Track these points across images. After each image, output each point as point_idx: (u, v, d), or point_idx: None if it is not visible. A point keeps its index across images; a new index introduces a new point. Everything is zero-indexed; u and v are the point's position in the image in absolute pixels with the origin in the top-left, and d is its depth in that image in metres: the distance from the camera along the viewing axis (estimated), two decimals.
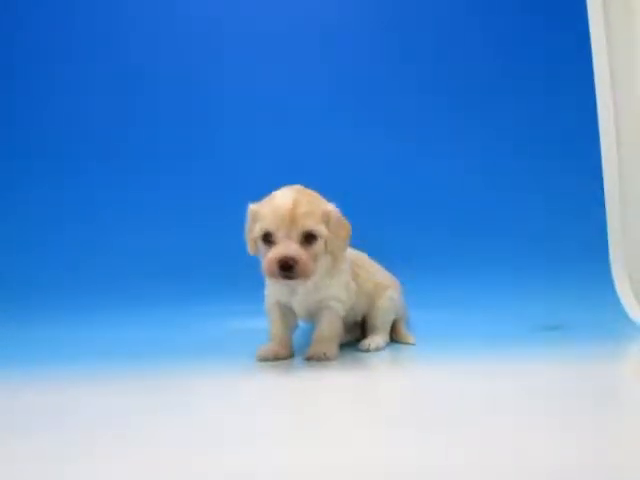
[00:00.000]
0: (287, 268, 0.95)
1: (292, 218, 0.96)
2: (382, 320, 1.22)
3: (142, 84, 1.60)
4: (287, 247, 0.96)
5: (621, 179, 1.60)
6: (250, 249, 1.05)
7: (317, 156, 1.56)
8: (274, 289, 1.10)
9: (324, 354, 1.05)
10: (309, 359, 1.06)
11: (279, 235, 0.97)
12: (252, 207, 1.03)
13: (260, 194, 1.53)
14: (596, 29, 1.61)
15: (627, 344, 1.26)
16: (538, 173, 1.59)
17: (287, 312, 1.12)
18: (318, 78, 1.60)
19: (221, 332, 1.40)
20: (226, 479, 0.48)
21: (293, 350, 1.12)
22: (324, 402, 0.80)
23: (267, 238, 0.98)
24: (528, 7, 1.63)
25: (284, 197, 0.99)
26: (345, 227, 1.05)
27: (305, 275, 0.97)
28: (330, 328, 1.09)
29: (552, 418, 0.64)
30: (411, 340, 1.25)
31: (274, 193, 1.02)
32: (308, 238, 0.98)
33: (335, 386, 0.89)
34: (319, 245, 1.00)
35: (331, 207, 1.03)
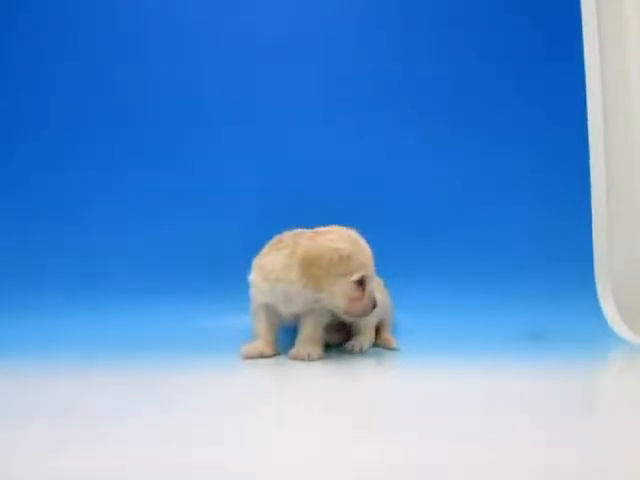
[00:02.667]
0: (374, 307, 1.09)
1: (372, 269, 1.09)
2: (365, 321, 1.23)
3: (142, 81, 1.59)
4: (374, 290, 1.10)
5: (608, 193, 1.61)
6: (326, 286, 1.05)
7: (315, 157, 1.56)
8: (265, 294, 1.11)
9: (308, 355, 1.07)
10: (293, 359, 1.08)
11: (369, 279, 1.07)
12: (339, 251, 1.05)
13: (256, 194, 1.55)
14: (589, 34, 1.62)
15: (608, 353, 1.28)
16: (526, 182, 1.60)
17: (273, 312, 1.13)
18: (318, 78, 1.60)
19: (209, 329, 1.40)
20: (207, 472, 0.48)
21: (278, 349, 1.13)
22: (307, 401, 0.80)
23: (361, 282, 1.06)
24: (524, 10, 1.64)
25: (367, 245, 1.10)
26: None
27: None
28: (315, 329, 1.12)
29: (528, 423, 0.66)
30: (394, 345, 1.26)
31: (352, 237, 1.09)
32: None
33: (318, 386, 0.90)
34: None
35: None
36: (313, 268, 1.03)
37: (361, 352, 1.18)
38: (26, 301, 1.45)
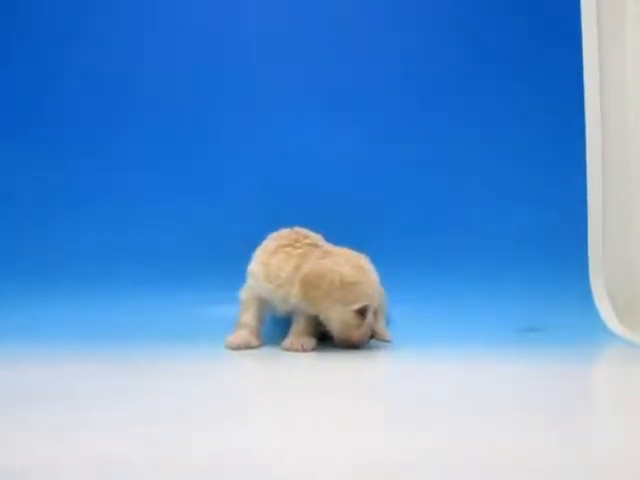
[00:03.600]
0: (372, 337, 1.10)
1: (376, 301, 1.09)
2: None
3: (142, 78, 1.59)
4: (372, 321, 1.08)
5: (604, 189, 1.62)
6: (323, 308, 1.06)
7: (315, 151, 1.56)
8: (265, 291, 1.12)
9: (302, 346, 1.08)
10: (287, 350, 1.09)
11: (371, 310, 1.06)
12: (343, 276, 1.04)
13: (254, 190, 1.55)
14: (588, 35, 1.62)
15: (602, 350, 1.29)
16: (522, 177, 1.61)
17: (265, 305, 1.15)
18: (318, 78, 1.60)
19: (205, 318, 1.41)
20: (202, 459, 0.49)
21: (263, 340, 1.15)
22: (300, 391, 0.81)
23: (363, 311, 1.05)
24: (523, 10, 1.64)
25: (375, 274, 1.09)
26: None
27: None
28: (308, 321, 1.12)
29: (521, 416, 0.66)
30: (388, 338, 1.27)
31: (360, 265, 1.08)
32: None
33: (310, 376, 0.91)
34: None
35: None
36: (313, 289, 1.04)
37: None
38: (23, 290, 1.45)
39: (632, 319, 1.50)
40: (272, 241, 1.17)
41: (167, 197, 1.57)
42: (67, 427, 0.57)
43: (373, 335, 1.08)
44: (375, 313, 1.12)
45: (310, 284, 1.04)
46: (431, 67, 1.62)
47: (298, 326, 1.13)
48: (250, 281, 1.15)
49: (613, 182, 1.64)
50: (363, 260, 1.10)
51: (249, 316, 1.14)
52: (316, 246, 1.14)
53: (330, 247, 1.15)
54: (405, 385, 0.85)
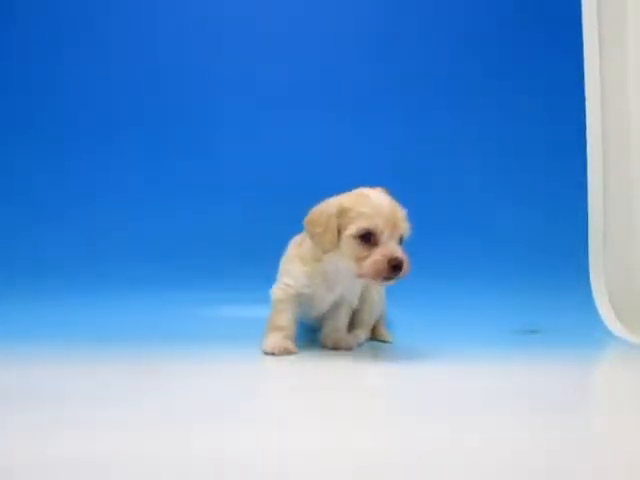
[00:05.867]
0: (398, 268, 0.94)
1: (394, 220, 0.95)
2: (370, 316, 1.23)
3: (142, 79, 1.60)
4: (396, 249, 0.95)
5: (605, 191, 1.62)
6: (327, 245, 0.98)
7: (315, 153, 1.57)
8: (310, 283, 1.06)
9: (347, 343, 1.11)
10: (336, 348, 1.10)
11: (383, 236, 0.95)
12: (340, 203, 0.97)
13: (256, 188, 1.55)
14: (589, 36, 1.63)
15: (601, 349, 1.29)
16: (523, 180, 1.61)
17: (298, 306, 1.09)
18: (317, 77, 1.61)
19: (200, 319, 1.41)
20: (205, 457, 0.49)
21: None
22: (304, 392, 0.81)
23: (367, 238, 0.95)
24: (524, 12, 1.65)
25: (383, 199, 0.97)
26: None
27: (404, 276, 0.96)
28: (346, 319, 1.14)
29: (521, 416, 0.66)
30: (389, 338, 1.27)
31: (362, 192, 0.99)
32: (400, 240, 0.98)
33: (315, 377, 0.90)
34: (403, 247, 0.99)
35: (405, 211, 1.02)
36: (315, 227, 0.98)
37: (358, 346, 1.18)
38: (23, 290, 1.46)
39: (632, 320, 1.50)
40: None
41: (167, 197, 1.57)
42: (67, 427, 0.57)
43: (398, 266, 0.94)
44: (400, 240, 0.98)
45: (311, 223, 0.99)
46: (431, 67, 1.62)
47: (338, 324, 1.13)
48: (288, 279, 1.08)
49: (614, 183, 1.64)
50: (372, 190, 1.00)
51: (285, 319, 1.06)
52: None
53: None
54: (405, 386, 0.85)
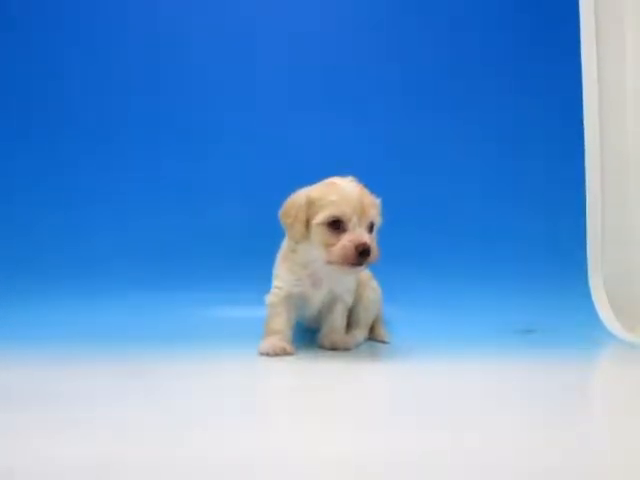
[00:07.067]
0: (365, 254, 0.95)
1: (362, 207, 0.97)
2: (366, 315, 1.23)
3: (142, 79, 1.59)
4: (363, 234, 0.97)
5: (603, 191, 1.62)
6: (297, 235, 1.01)
7: (313, 152, 1.56)
8: (296, 281, 1.07)
9: (344, 343, 1.11)
10: (334, 349, 1.10)
11: (351, 223, 0.97)
12: (309, 193, 1.00)
13: (253, 187, 1.55)
14: (587, 36, 1.63)
15: (600, 348, 1.29)
16: (522, 180, 1.61)
17: (292, 308, 1.10)
18: (317, 77, 1.61)
19: (202, 319, 1.41)
20: (204, 459, 0.49)
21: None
22: (295, 392, 0.81)
23: (336, 225, 0.97)
24: (523, 9, 1.65)
25: (351, 186, 0.99)
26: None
27: (373, 262, 0.99)
28: (343, 319, 1.14)
29: (521, 416, 0.66)
30: (386, 339, 1.27)
31: (331, 181, 1.01)
32: (370, 228, 1.00)
33: (312, 377, 0.90)
34: (374, 235, 1.02)
35: (378, 199, 1.06)
36: (287, 218, 1.01)
37: (356, 346, 1.18)
38: (22, 291, 1.46)
39: (631, 319, 1.51)
40: None
41: (166, 198, 1.57)
42: (67, 428, 0.57)
43: (365, 251, 0.95)
44: (370, 227, 1.00)
45: (283, 215, 1.02)
46: (431, 67, 1.62)
47: (334, 323, 1.13)
48: (278, 281, 1.09)
49: (611, 184, 1.65)
50: (341, 179, 1.01)
51: (280, 321, 1.07)
52: None
53: None
54: (403, 386, 0.85)
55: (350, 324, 1.23)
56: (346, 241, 0.96)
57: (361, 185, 1.02)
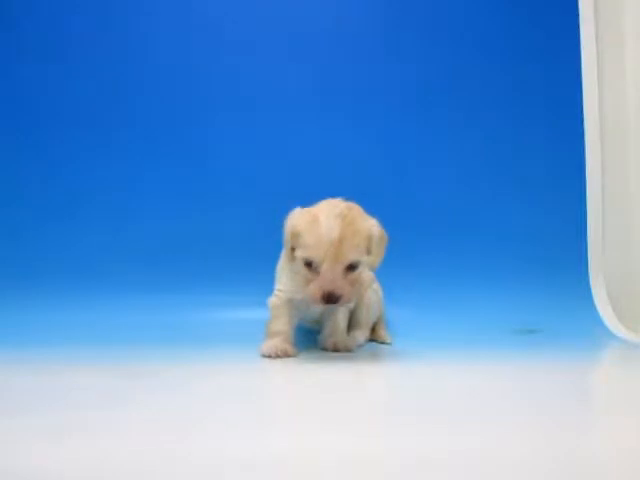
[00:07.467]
0: (332, 301, 0.96)
1: (337, 252, 0.94)
2: (367, 316, 1.23)
3: (142, 79, 1.60)
4: (331, 282, 0.95)
5: (604, 190, 1.63)
6: (288, 254, 1.02)
7: (314, 155, 1.57)
8: (297, 287, 1.06)
9: (346, 345, 1.11)
10: (335, 350, 1.10)
11: (324, 266, 0.95)
12: (294, 223, 0.99)
13: (254, 188, 1.55)
14: (586, 36, 1.63)
15: (601, 349, 1.29)
16: (522, 180, 1.61)
17: (294, 310, 1.10)
18: (318, 77, 1.61)
19: (204, 321, 1.41)
20: (206, 461, 0.49)
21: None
22: (305, 393, 0.81)
23: (309, 265, 0.97)
24: (523, 9, 1.65)
25: (329, 227, 0.95)
26: (384, 241, 1.03)
27: (348, 303, 1.00)
28: (344, 320, 1.14)
29: (521, 417, 0.66)
30: (388, 340, 1.27)
31: (317, 214, 0.97)
32: (351, 267, 0.97)
33: (314, 378, 0.90)
34: (360, 271, 1.00)
35: (374, 226, 1.01)
36: (284, 232, 1.02)
37: (358, 347, 1.18)
38: (21, 291, 1.46)
39: (632, 320, 1.51)
40: None
41: (166, 200, 1.57)
42: (66, 430, 0.57)
43: (330, 298, 0.95)
44: (351, 266, 0.97)
45: (284, 228, 1.02)
46: (432, 68, 1.62)
47: (336, 325, 1.13)
48: (280, 285, 1.10)
49: (612, 184, 1.65)
50: (330, 209, 0.97)
51: (282, 323, 1.08)
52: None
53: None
54: (404, 387, 0.85)
55: (351, 325, 1.23)
56: (316, 285, 0.96)
57: (349, 218, 0.97)
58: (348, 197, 1.52)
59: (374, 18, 1.63)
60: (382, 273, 1.30)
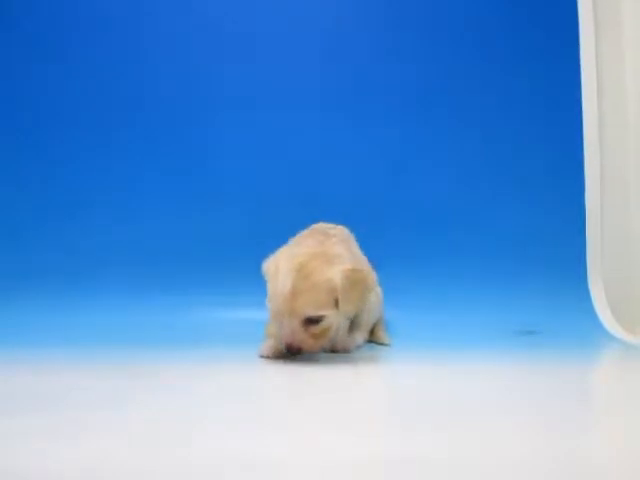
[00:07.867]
0: (293, 352, 0.97)
1: (291, 308, 0.94)
2: (367, 317, 1.23)
3: (142, 80, 1.60)
4: (289, 335, 0.95)
5: (602, 192, 1.63)
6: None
7: (314, 156, 1.57)
8: None
9: (344, 346, 1.10)
10: (334, 351, 1.09)
11: (284, 320, 0.95)
12: (265, 270, 1.01)
13: (253, 189, 1.55)
14: (587, 34, 1.63)
15: (599, 350, 1.29)
16: (522, 179, 1.62)
17: None
18: (318, 77, 1.61)
19: (203, 321, 1.41)
20: (205, 462, 0.49)
21: None
22: (303, 394, 0.81)
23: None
24: (523, 9, 1.65)
25: (283, 282, 0.94)
26: (358, 284, 0.99)
27: (315, 352, 1.00)
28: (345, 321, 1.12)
29: (521, 418, 0.66)
30: (387, 341, 1.27)
31: (278, 267, 0.96)
32: (311, 321, 0.96)
33: (313, 379, 0.90)
34: (327, 322, 0.97)
35: (338, 275, 0.95)
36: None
37: (356, 349, 1.18)
38: (21, 292, 1.46)
39: (630, 321, 1.51)
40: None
41: (166, 199, 1.57)
42: (66, 430, 0.57)
43: (290, 349, 0.96)
44: (310, 321, 0.96)
45: None
46: (432, 68, 1.63)
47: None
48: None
49: (611, 185, 1.65)
50: (285, 264, 0.96)
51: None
52: (324, 240, 1.07)
53: (324, 237, 1.08)
54: (404, 389, 0.85)
55: (350, 326, 1.21)
56: (280, 334, 0.97)
57: (306, 271, 0.94)
58: (347, 198, 1.51)
59: (374, 18, 1.63)
60: (382, 273, 1.30)
